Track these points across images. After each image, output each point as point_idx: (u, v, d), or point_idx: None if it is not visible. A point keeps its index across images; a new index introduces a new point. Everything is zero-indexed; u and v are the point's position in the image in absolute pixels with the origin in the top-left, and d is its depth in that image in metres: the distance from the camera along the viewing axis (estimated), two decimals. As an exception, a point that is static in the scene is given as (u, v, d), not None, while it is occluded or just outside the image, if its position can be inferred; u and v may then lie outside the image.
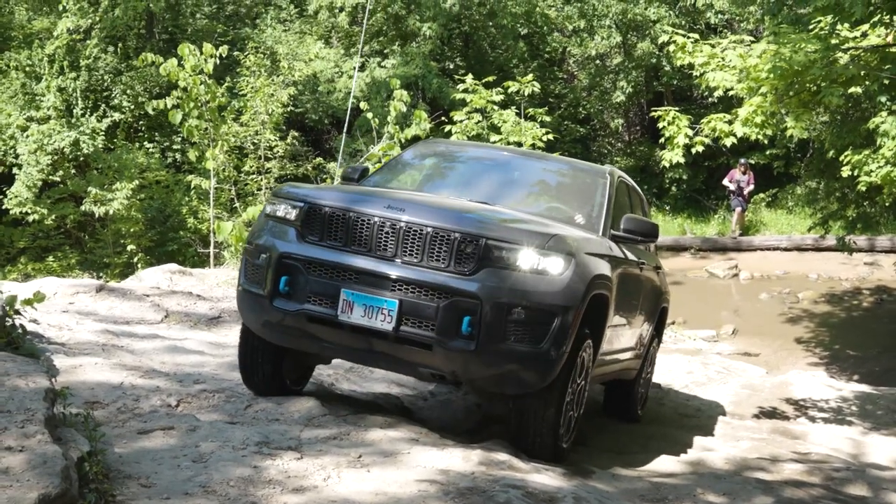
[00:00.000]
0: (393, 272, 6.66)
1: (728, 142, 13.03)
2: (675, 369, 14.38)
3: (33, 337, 7.76)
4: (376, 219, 6.79)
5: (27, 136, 25.55)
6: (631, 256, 8.62)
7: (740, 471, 7.90)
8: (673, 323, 20.12)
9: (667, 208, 33.80)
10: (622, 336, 8.67)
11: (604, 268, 7.35)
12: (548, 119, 20.16)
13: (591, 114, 38.43)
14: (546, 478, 6.39)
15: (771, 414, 12.25)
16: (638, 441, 9.26)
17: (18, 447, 4.88)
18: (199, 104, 16.87)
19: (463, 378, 6.83)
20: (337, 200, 7.07)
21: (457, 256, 6.63)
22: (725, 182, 30.11)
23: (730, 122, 13.05)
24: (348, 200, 7.06)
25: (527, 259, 6.64)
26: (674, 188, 34.52)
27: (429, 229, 6.69)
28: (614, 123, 38.23)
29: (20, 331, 7.56)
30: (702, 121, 13.63)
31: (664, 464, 8.09)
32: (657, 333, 10.79)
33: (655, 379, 12.09)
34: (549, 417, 6.99)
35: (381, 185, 8.60)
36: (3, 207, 25.33)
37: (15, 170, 25.46)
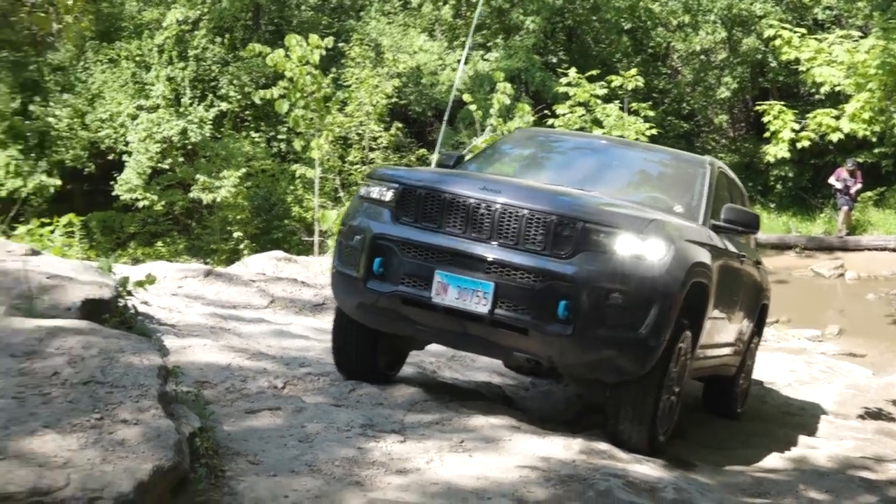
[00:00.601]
0: (488, 254, 6.58)
1: (834, 137, 12.87)
2: (778, 367, 14.21)
3: (144, 318, 7.97)
4: (472, 200, 6.74)
5: (137, 125, 26.18)
6: (731, 248, 8.40)
7: (844, 469, 7.82)
8: (777, 322, 19.88)
9: (772, 206, 33.35)
10: (721, 330, 8.45)
11: (704, 256, 7.17)
12: (651, 114, 20.07)
13: (694, 109, 38.08)
14: (647, 468, 6.40)
15: (876, 415, 12.03)
16: (738, 437, 9.21)
17: (133, 420, 5.04)
18: (305, 94, 17.10)
19: (559, 364, 6.74)
20: (432, 182, 7.03)
21: (553, 239, 6.53)
22: (831, 181, 29.60)
23: (836, 118, 12.84)
24: (443, 182, 7.00)
25: (625, 243, 6.51)
26: (779, 186, 34.06)
27: (525, 211, 6.61)
28: (718, 119, 37.85)
29: (133, 311, 7.79)
30: (807, 116, 13.44)
31: (766, 460, 8.06)
32: (757, 330, 10.54)
33: (758, 376, 11.98)
34: (646, 407, 6.82)
35: (477, 171, 8.54)
36: (114, 194, 25.95)
37: (125, 157, 26.08)
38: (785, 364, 14.68)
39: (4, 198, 22.76)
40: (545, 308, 6.43)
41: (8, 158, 26.02)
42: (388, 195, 7.05)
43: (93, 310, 7.06)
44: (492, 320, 6.53)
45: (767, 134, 13.90)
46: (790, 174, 32.73)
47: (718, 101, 36.76)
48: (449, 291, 6.60)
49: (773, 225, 30.57)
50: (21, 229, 10.28)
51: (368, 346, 7.60)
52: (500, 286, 6.50)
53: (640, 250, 6.51)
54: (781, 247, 28.94)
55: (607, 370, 6.68)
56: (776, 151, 13.30)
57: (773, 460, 8.04)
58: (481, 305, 6.52)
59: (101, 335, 6.11)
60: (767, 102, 13.89)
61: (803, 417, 10.90)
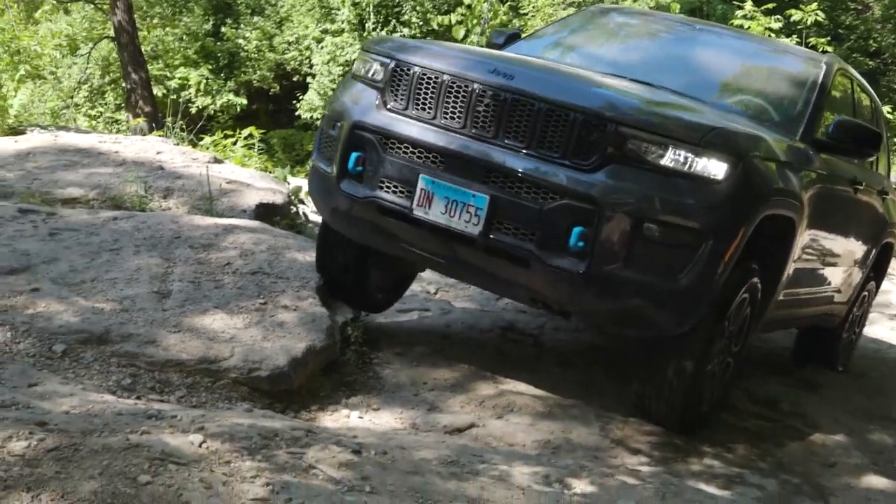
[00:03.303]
0: (488, 157, 5.08)
1: None
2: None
3: (313, 224, 8.61)
4: (476, 86, 5.16)
5: (321, 48, 26.99)
6: (842, 172, 6.68)
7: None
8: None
9: (957, 151, 32.29)
10: (819, 274, 6.86)
11: (791, 181, 5.61)
12: (829, 49, 19.77)
13: (882, 47, 36.92)
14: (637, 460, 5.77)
15: None
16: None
17: (293, 307, 5.69)
18: (482, 21, 17.49)
19: (571, 309, 5.32)
20: (430, 59, 5.44)
21: (576, 144, 4.94)
22: None
23: None
24: (445, 60, 5.41)
25: (673, 156, 4.90)
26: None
27: (542, 104, 5.01)
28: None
29: (302, 218, 8.47)
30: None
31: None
32: (876, 274, 8.58)
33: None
34: (683, 375, 5.38)
35: (522, 53, 6.79)
36: (297, 113, 26.96)
37: (309, 79, 26.99)
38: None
39: (194, 114, 23.88)
40: (554, 234, 4.95)
41: (199, 77, 27.27)
42: (380, 73, 5.57)
43: (265, 213, 7.79)
44: (485, 245, 5.10)
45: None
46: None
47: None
48: (434, 203, 5.17)
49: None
50: (206, 140, 11.10)
51: (358, 267, 6.30)
52: (497, 201, 5.03)
53: (694, 167, 4.92)
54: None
55: (633, 323, 5.24)
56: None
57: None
58: (472, 224, 5.07)
59: (270, 234, 6.79)
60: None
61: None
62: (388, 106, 5.44)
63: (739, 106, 6.40)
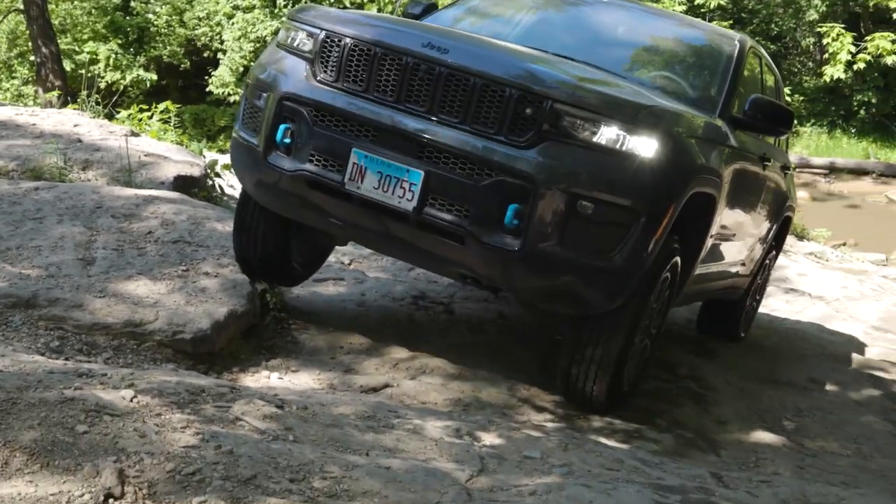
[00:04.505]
0: (422, 132, 5.03)
1: (889, 60, 13.17)
2: (829, 283, 14.66)
3: (229, 199, 8.79)
4: (409, 59, 5.11)
5: (232, 24, 26.98)
6: (753, 149, 6.80)
7: (860, 368, 8.39)
8: (843, 244, 20.23)
9: (852, 131, 33.21)
10: (730, 249, 6.96)
11: (713, 159, 5.69)
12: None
13: (783, 31, 37.84)
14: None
15: (918, 331, 12.51)
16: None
17: (214, 273, 5.91)
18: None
19: (502, 286, 5.37)
20: (363, 30, 5.34)
21: (512, 120, 4.93)
22: (917, 108, 29.54)
23: (893, 42, 13.17)
24: (377, 32, 5.34)
25: (607, 134, 4.91)
26: (862, 111, 33.87)
27: (477, 80, 4.97)
28: (805, 42, 37.59)
29: (219, 191, 8.65)
30: (865, 38, 13.79)
31: (782, 361, 8.59)
32: (776, 244, 8.94)
33: (809, 289, 12.45)
34: (610, 352, 5.42)
35: (440, 24, 6.73)
36: (207, 89, 26.94)
37: (220, 55, 26.98)
38: (837, 281, 15.12)
39: (103, 89, 23.78)
40: (489, 211, 4.93)
41: (109, 52, 27.09)
42: (308, 44, 5.47)
43: (184, 185, 7.97)
44: (418, 221, 5.05)
45: (826, 55, 14.29)
46: (874, 100, 32.54)
47: (808, 23, 36.52)
48: (367, 178, 5.09)
49: (852, 150, 30.54)
50: (122, 113, 11.18)
51: (279, 239, 6.20)
52: (432, 176, 4.98)
53: (627, 146, 4.94)
54: (858, 172, 28.97)
55: (565, 301, 5.28)
56: (833, 72, 13.66)
57: (791, 359, 8.49)
58: (406, 200, 5.02)
59: (190, 205, 6.99)
60: (829, 24, 14.24)
61: (842, 326, 11.41)
62: (318, 77, 5.33)
63: (658, 82, 6.43)
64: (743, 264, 7.63)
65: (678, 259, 5.63)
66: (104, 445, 3.38)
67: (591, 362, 5.45)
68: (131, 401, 3.87)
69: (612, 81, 5.70)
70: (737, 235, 6.94)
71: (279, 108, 5.36)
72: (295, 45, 5.52)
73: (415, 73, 5.09)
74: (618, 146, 4.91)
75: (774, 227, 8.27)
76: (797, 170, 26.51)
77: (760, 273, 8.61)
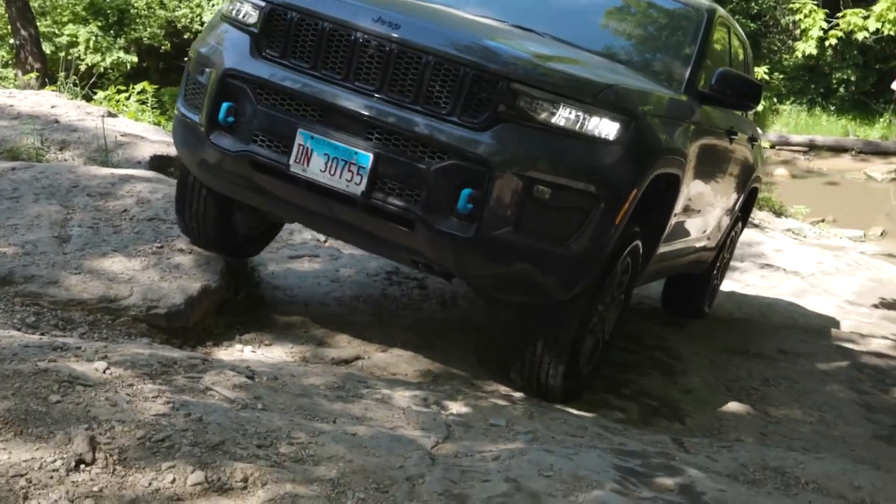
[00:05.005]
0: (371, 112, 4.77)
1: (860, 36, 13.30)
2: (805, 259, 14.79)
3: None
4: (359, 34, 4.85)
5: (212, 5, 26.97)
6: (720, 124, 6.63)
7: (829, 340, 8.55)
8: (822, 221, 20.39)
9: (832, 109, 33.37)
10: (694, 224, 6.77)
11: (678, 138, 5.51)
12: (710, 11, 20.38)
13: (762, 9, 37.95)
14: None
15: (890, 305, 12.67)
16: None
17: (188, 250, 6.00)
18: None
19: (456, 273, 5.07)
20: (311, 3, 5.05)
21: (466, 101, 4.69)
22: (894, 86, 29.66)
23: (865, 18, 13.30)
24: (326, 5, 5.02)
25: (565, 115, 4.71)
26: (841, 89, 34.01)
27: (430, 57, 4.73)
28: (785, 21, 37.71)
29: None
30: (837, 14, 13.93)
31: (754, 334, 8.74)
32: (742, 216, 8.79)
33: (783, 265, 12.60)
34: (564, 340, 5.25)
35: None
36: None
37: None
38: (813, 257, 15.27)
39: (83, 71, 23.76)
40: (441, 196, 4.70)
41: (88, 34, 27.03)
42: (253, 16, 5.16)
43: (160, 164, 8.06)
44: (366, 205, 4.80)
45: (798, 31, 14.44)
46: (853, 78, 32.68)
47: (787, 1, 36.62)
48: (313, 160, 4.84)
49: (831, 128, 30.72)
50: (100, 94, 11.26)
51: (221, 210, 5.93)
52: (381, 159, 4.74)
53: (587, 127, 4.75)
54: (837, 149, 29.14)
55: (520, 289, 5.05)
56: (805, 48, 13.80)
57: (762, 331, 8.68)
58: (353, 184, 4.77)
59: (166, 184, 7.06)
60: (801, 1, 14.37)
61: (815, 300, 11.57)
62: (263, 53, 5.06)
63: (623, 55, 6.22)
64: (708, 238, 7.48)
65: (639, 242, 5.46)
66: (76, 414, 3.47)
67: (545, 353, 5.28)
68: (104, 372, 3.96)
69: (571, 58, 5.49)
70: (702, 211, 6.78)
71: (222, 85, 5.09)
72: (240, 17, 5.21)
73: (364, 49, 4.84)
74: (577, 128, 4.71)
75: (741, 198, 8.12)
76: (777, 147, 26.78)
77: (727, 247, 8.50)
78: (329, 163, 4.79)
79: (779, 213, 17.57)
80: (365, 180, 4.72)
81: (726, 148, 6.92)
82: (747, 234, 13.87)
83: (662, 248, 6.02)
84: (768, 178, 22.23)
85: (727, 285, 10.49)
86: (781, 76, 32.09)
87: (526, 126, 4.68)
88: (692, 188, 6.09)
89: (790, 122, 30.45)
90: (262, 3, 5.10)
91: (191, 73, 5.38)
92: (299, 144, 4.84)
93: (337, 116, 4.82)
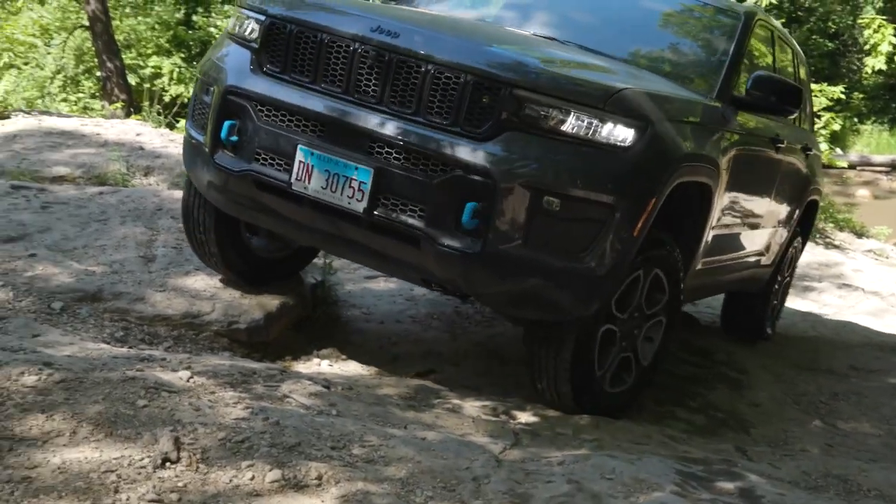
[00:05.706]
0: (372, 125, 4.57)
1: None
2: (885, 279, 14.52)
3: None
4: (357, 45, 4.66)
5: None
6: (762, 131, 6.32)
7: (880, 346, 8.57)
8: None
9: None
10: (742, 238, 6.58)
11: (707, 145, 5.26)
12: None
13: (840, 29, 37.58)
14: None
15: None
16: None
17: (268, 269, 6.22)
18: None
19: (465, 290, 4.78)
20: (309, 15, 4.91)
21: (468, 110, 4.45)
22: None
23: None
24: (324, 16, 4.88)
25: (574, 122, 4.43)
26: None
27: (430, 66, 4.50)
28: (863, 39, 37.31)
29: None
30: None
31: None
32: (802, 233, 8.36)
33: (864, 284, 12.44)
34: (563, 356, 4.95)
35: (409, 4, 6.48)
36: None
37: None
38: (894, 277, 15.11)
39: (167, 101, 24.36)
40: (445, 211, 4.45)
41: (172, 66, 27.66)
42: (255, 32, 5.02)
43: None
44: (370, 223, 4.59)
45: (867, 46, 14.44)
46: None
47: (865, 19, 36.25)
48: (314, 177, 4.66)
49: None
50: (183, 123, 11.61)
51: (225, 235, 5.73)
52: (382, 174, 4.52)
53: (598, 134, 4.47)
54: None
55: (534, 305, 4.73)
56: (874, 63, 13.78)
57: (834, 349, 8.58)
58: (355, 201, 4.57)
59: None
60: (869, 17, 14.37)
61: (892, 320, 11.42)
62: (264, 68, 4.92)
63: (651, 62, 5.94)
64: (762, 254, 7.20)
65: (668, 253, 5.17)
66: (162, 417, 3.69)
67: (547, 367, 5.02)
68: (188, 381, 4.19)
69: (587, 62, 5.16)
70: (748, 224, 6.51)
71: (223, 103, 4.95)
72: (243, 33, 5.08)
73: (363, 60, 4.64)
74: (587, 135, 4.43)
75: (797, 211, 7.73)
76: (858, 168, 26.44)
77: (786, 263, 8.14)
78: (330, 179, 4.61)
79: (860, 234, 17.37)
80: (366, 197, 4.53)
81: (772, 157, 6.58)
82: (826, 255, 13.82)
83: (705, 263, 5.82)
84: (849, 199, 22.03)
85: (804, 305, 10.50)
86: (861, 96, 31.74)
87: (532, 134, 4.43)
88: (731, 199, 5.85)
89: (871, 142, 30.07)
90: (263, 17, 4.97)
91: (197, 94, 5.29)
92: (300, 161, 4.68)
93: (336, 131, 4.65)
